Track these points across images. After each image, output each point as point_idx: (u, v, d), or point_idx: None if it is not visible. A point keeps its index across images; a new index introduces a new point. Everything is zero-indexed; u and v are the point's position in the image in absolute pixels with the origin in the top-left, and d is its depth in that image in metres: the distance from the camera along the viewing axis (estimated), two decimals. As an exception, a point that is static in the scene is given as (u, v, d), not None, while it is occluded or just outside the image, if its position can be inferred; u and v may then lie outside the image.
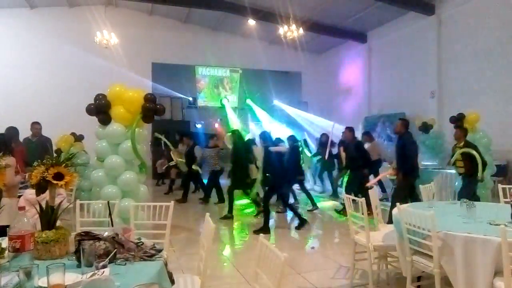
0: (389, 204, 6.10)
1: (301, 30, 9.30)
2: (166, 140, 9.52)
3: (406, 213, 2.91)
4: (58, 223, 2.08)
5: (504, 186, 4.21)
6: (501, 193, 4.15)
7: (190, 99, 14.04)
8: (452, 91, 9.13)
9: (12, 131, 5.73)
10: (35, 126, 6.71)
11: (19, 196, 3.62)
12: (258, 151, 6.76)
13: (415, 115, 9.68)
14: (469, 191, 5.52)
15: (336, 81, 14.07)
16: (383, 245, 3.46)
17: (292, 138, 7.95)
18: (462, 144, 5.74)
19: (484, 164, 5.58)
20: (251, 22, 11.59)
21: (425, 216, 2.68)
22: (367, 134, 8.80)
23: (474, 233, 2.50)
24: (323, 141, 9.34)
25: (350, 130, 7.39)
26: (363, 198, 3.53)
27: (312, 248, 5.08)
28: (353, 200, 3.68)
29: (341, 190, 8.24)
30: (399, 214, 2.96)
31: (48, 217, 2.02)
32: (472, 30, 8.54)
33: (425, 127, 8.83)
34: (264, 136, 6.48)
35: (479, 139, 6.37)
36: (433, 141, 8.63)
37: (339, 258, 4.59)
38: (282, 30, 9.28)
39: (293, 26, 9.16)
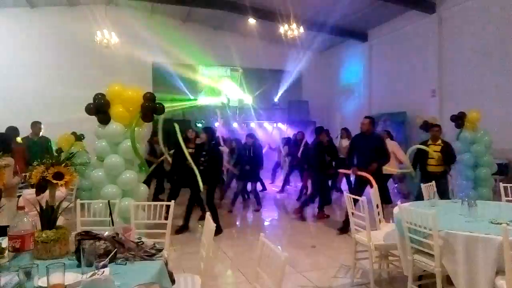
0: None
1: (301, 29, 9.28)
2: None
3: (407, 212, 2.90)
4: (62, 220, 2.08)
5: (505, 184, 4.21)
6: (502, 192, 4.15)
7: (192, 97, 14.01)
8: (453, 90, 9.10)
9: (12, 131, 5.74)
10: (38, 125, 6.73)
11: (19, 197, 3.62)
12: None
13: (416, 113, 9.66)
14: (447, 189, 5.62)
15: (336, 80, 14.05)
16: (384, 244, 3.46)
17: (251, 136, 7.98)
18: (438, 142, 5.78)
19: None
20: (252, 21, 11.56)
21: (426, 215, 2.67)
22: (346, 131, 8.73)
23: (476, 232, 2.49)
24: (299, 139, 9.26)
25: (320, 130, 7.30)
26: (364, 198, 3.52)
27: (313, 247, 5.07)
28: (354, 200, 3.68)
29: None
30: (400, 213, 2.95)
31: (48, 216, 2.02)
32: (473, 28, 8.52)
33: (426, 126, 8.80)
34: (210, 132, 6.17)
35: (480, 137, 6.36)
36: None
37: (340, 257, 4.58)
38: (283, 29, 9.26)
39: (294, 25, 9.14)
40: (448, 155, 5.67)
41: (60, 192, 2.77)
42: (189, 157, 5.62)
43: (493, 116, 7.20)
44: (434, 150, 5.73)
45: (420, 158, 5.92)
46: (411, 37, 10.36)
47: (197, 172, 5.56)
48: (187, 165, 5.71)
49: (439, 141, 5.78)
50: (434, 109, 9.41)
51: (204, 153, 5.91)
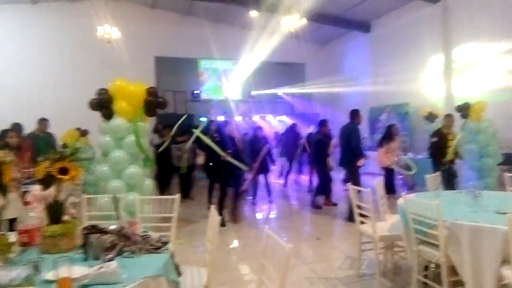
0: None
1: (304, 21, 9.21)
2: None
3: (412, 203, 2.90)
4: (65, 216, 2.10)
5: (510, 174, 4.18)
6: (508, 182, 4.12)
7: (197, 91, 14.00)
8: (457, 80, 9.03)
9: (16, 127, 5.78)
10: (45, 122, 6.77)
11: (25, 192, 3.64)
12: None
13: (420, 104, 9.61)
14: None
15: (340, 72, 13.98)
16: (390, 235, 3.46)
17: (261, 129, 8.03)
18: (452, 132, 6.07)
19: None
20: (253, 13, 11.50)
21: (431, 205, 2.66)
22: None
23: (481, 222, 2.48)
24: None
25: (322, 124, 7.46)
26: (369, 189, 3.51)
27: (318, 239, 5.08)
28: (358, 191, 3.67)
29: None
30: (405, 204, 2.95)
31: (55, 211, 2.04)
32: (478, 18, 8.41)
33: (431, 117, 8.76)
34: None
35: (485, 128, 6.31)
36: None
37: (345, 248, 4.59)
38: (285, 21, 9.19)
39: (296, 17, 9.07)
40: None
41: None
42: (221, 152, 5.89)
43: (499, 106, 7.15)
44: (450, 139, 5.94)
45: (441, 148, 5.99)
46: (415, 27, 10.26)
47: (233, 160, 5.90)
48: (220, 161, 6.01)
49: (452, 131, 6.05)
50: (438, 100, 9.34)
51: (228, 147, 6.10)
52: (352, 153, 5.95)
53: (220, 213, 5.97)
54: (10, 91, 10.68)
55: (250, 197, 7.80)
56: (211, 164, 6.38)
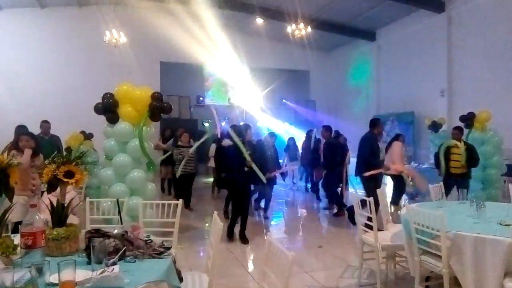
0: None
1: (309, 29, 9.25)
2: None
3: (415, 213, 2.89)
4: (76, 220, 2.11)
5: (515, 186, 4.16)
6: (511, 193, 4.10)
7: (202, 97, 14.07)
8: (462, 90, 9.02)
9: (21, 130, 5.81)
10: (46, 124, 6.82)
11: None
12: None
13: (425, 113, 9.60)
14: None
15: (344, 80, 14.01)
16: (391, 245, 3.45)
17: (273, 135, 7.84)
18: (459, 144, 5.68)
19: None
20: (259, 20, 11.58)
21: (434, 216, 2.66)
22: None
23: (484, 234, 2.47)
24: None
25: (326, 129, 7.40)
26: (372, 198, 3.51)
27: (320, 247, 5.07)
28: (362, 200, 3.67)
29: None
30: (408, 214, 2.94)
31: (59, 214, 2.05)
32: (482, 28, 8.43)
33: (435, 126, 8.75)
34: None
35: (489, 138, 6.30)
36: (443, 140, 8.53)
37: (347, 257, 4.57)
38: (290, 28, 9.25)
39: (301, 25, 9.12)
40: (472, 158, 5.58)
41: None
42: (248, 157, 5.17)
43: (503, 116, 7.13)
44: (455, 153, 5.67)
45: (444, 159, 5.82)
46: (420, 36, 10.29)
47: (256, 169, 5.30)
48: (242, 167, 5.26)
49: (461, 143, 5.68)
50: (442, 109, 9.34)
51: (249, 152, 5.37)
52: (364, 163, 5.56)
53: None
54: (17, 94, 10.77)
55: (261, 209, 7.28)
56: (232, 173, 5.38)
